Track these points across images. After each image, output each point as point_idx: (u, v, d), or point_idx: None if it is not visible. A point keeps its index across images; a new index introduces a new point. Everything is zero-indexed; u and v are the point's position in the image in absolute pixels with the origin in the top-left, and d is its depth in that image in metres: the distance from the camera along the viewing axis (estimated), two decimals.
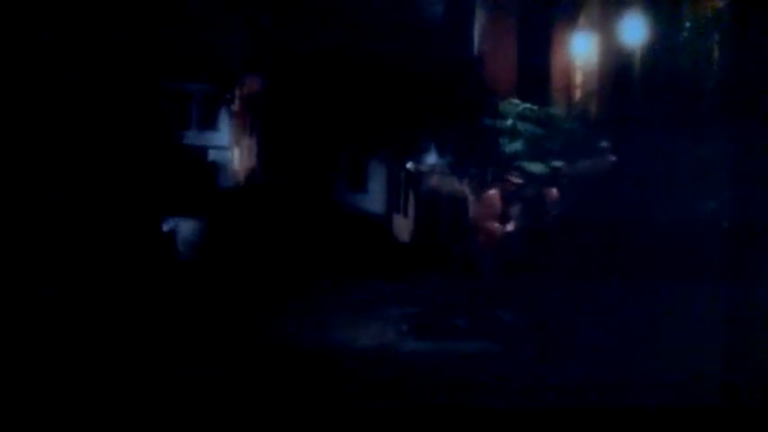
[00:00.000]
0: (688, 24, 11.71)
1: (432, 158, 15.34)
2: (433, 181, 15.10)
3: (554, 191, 12.28)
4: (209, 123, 19.81)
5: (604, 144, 12.18)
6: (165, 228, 13.54)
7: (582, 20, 14.20)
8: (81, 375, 8.27)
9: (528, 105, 13.41)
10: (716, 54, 11.34)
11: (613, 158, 11.95)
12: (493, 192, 12.71)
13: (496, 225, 12.56)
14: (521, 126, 13.08)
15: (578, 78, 14.33)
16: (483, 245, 12.69)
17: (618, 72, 12.97)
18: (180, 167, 14.79)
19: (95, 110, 11.93)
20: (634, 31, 12.55)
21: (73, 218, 11.26)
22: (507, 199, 12.47)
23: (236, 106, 19.99)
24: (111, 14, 12.02)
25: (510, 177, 12.47)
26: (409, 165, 15.89)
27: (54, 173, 11.14)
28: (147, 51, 13.29)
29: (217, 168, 18.94)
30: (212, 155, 19.40)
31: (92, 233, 11.42)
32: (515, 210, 12.46)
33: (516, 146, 12.94)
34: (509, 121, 13.15)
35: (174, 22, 15.38)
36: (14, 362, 8.24)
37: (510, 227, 12.39)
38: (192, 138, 18.72)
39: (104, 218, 11.77)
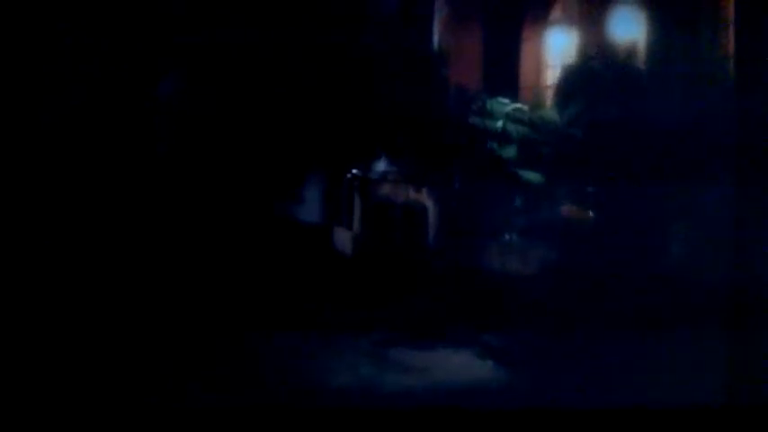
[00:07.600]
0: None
1: (383, 165, 13.83)
2: (387, 190, 13.64)
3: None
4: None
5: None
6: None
7: (562, 12, 13.00)
8: None
9: (518, 105, 12.05)
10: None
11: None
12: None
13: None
14: (512, 128, 11.71)
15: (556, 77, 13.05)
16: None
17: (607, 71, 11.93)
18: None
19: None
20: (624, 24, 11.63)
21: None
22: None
23: (149, 103, 18.43)
24: None
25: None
26: (355, 171, 14.39)
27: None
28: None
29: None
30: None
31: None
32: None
33: (510, 151, 11.60)
34: (499, 122, 11.77)
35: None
36: None
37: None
38: None
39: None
